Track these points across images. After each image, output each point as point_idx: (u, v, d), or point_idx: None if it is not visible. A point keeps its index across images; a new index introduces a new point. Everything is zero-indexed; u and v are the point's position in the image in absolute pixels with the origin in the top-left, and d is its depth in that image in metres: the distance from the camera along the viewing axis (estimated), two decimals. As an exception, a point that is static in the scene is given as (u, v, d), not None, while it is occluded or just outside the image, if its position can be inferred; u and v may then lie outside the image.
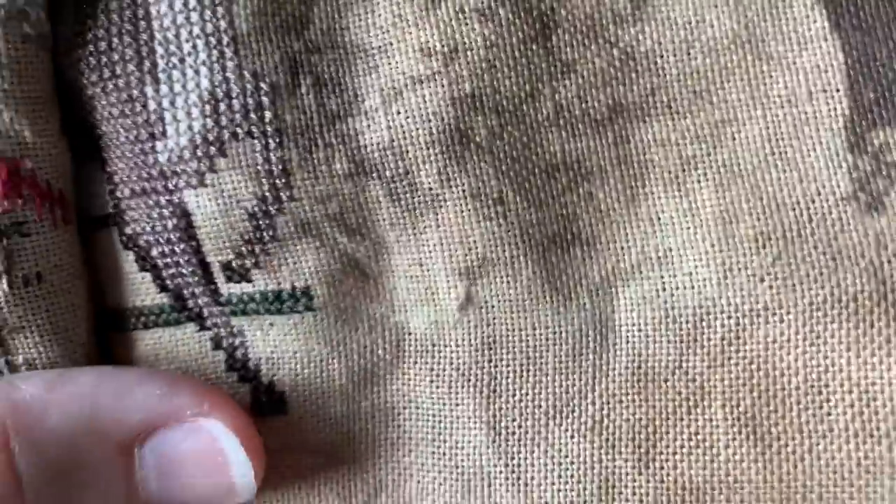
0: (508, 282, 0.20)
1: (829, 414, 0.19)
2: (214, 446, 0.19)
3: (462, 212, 0.20)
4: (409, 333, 0.21)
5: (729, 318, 0.19)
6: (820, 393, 0.19)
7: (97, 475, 0.18)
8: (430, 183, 0.20)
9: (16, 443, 0.17)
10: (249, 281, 0.20)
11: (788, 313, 0.19)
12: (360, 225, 0.20)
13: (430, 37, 0.19)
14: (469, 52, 0.19)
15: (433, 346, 0.20)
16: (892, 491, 0.18)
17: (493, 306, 0.20)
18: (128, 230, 0.21)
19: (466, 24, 0.19)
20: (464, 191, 0.20)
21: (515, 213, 0.20)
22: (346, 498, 0.21)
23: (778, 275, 0.19)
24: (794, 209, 0.19)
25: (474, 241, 0.20)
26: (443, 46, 0.19)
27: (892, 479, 0.18)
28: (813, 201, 0.19)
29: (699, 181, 0.19)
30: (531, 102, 0.19)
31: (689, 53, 0.19)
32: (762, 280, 0.19)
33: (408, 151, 0.19)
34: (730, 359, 0.19)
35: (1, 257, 0.19)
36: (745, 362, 0.19)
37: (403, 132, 0.19)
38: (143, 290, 0.21)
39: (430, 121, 0.19)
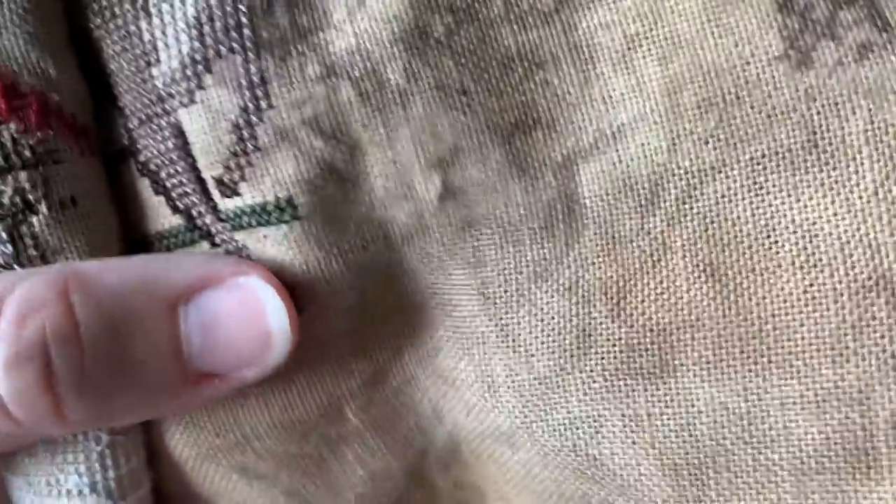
0: (479, 167, 0.21)
1: (777, 252, 0.21)
2: (253, 297, 0.21)
3: (429, 104, 0.21)
4: (395, 225, 0.22)
5: (680, 179, 0.21)
6: (768, 236, 0.21)
7: (146, 328, 0.20)
8: (396, 79, 0.21)
9: (75, 294, 0.19)
10: (239, 195, 0.22)
11: (733, 170, 0.21)
12: (334, 128, 0.21)
13: None
14: None
15: (417, 230, 0.22)
16: (836, 314, 0.21)
17: (466, 191, 0.22)
18: (141, 158, 0.23)
19: None
20: (429, 84, 0.21)
21: (479, 102, 0.21)
22: (373, 359, 0.23)
23: (720, 136, 0.21)
24: (731, 73, 0.21)
25: (443, 132, 0.21)
26: None
27: (835, 302, 0.21)
28: (748, 63, 0.20)
29: (644, 57, 0.21)
30: (483, 1, 0.21)
31: None
32: (706, 143, 0.21)
33: (373, 52, 0.21)
34: (685, 216, 0.21)
35: (39, 183, 0.21)
36: (700, 217, 0.21)
37: (368, 35, 0.21)
38: (160, 214, 0.23)
39: (391, 22, 0.21)
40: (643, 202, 0.21)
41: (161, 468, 0.24)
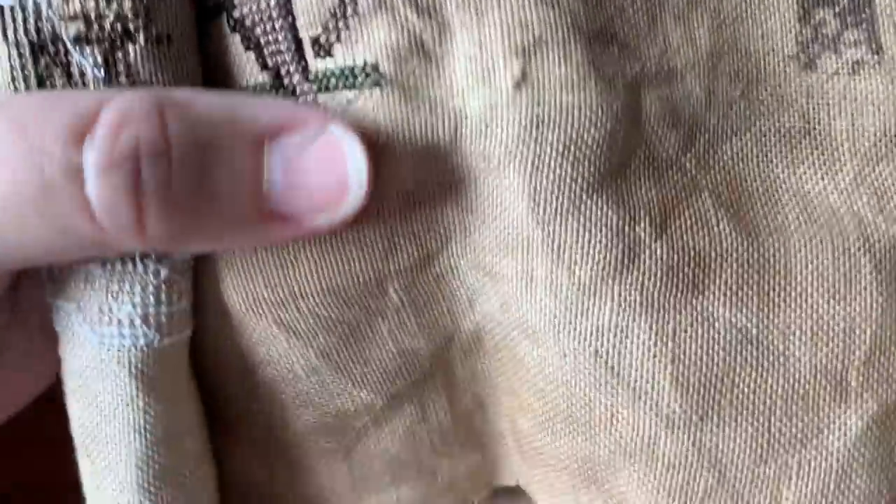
0: (560, 60, 0.23)
1: (780, 212, 0.25)
2: (335, 143, 0.22)
3: None
4: (466, 117, 0.23)
5: (707, 131, 0.25)
6: (771, 196, 0.25)
7: (230, 157, 0.21)
8: None
9: (170, 113, 0.20)
10: (331, 56, 0.23)
11: (745, 135, 0.25)
12: (429, 5, 0.22)
13: None
14: None
15: (486, 126, 0.23)
16: (832, 264, 0.24)
17: (544, 85, 0.23)
18: (236, 13, 0.23)
19: None
20: None
21: (567, 2, 0.23)
22: (422, 245, 0.25)
23: (742, 106, 0.25)
24: (754, 57, 0.25)
25: (531, 23, 0.22)
26: None
27: (832, 254, 0.24)
28: (769, 54, 0.25)
29: (699, 20, 0.24)
30: None
31: None
32: (731, 107, 0.25)
33: None
34: (711, 163, 0.25)
35: (141, 13, 0.21)
36: (722, 168, 0.25)
37: None
38: (247, 70, 0.24)
39: None
40: (683, 139, 0.25)
41: (206, 318, 0.25)
